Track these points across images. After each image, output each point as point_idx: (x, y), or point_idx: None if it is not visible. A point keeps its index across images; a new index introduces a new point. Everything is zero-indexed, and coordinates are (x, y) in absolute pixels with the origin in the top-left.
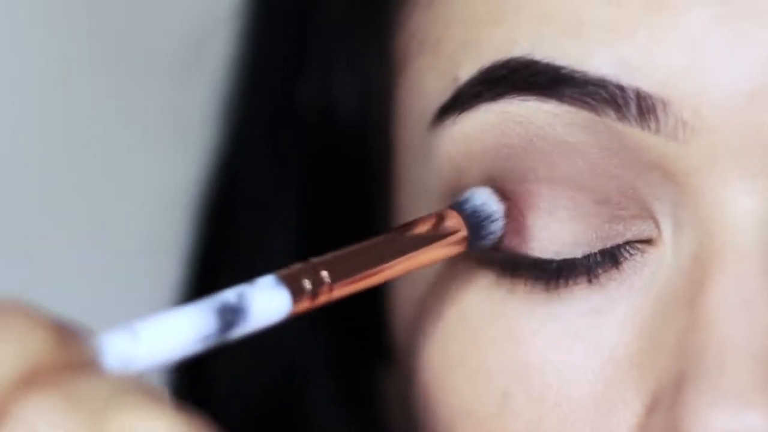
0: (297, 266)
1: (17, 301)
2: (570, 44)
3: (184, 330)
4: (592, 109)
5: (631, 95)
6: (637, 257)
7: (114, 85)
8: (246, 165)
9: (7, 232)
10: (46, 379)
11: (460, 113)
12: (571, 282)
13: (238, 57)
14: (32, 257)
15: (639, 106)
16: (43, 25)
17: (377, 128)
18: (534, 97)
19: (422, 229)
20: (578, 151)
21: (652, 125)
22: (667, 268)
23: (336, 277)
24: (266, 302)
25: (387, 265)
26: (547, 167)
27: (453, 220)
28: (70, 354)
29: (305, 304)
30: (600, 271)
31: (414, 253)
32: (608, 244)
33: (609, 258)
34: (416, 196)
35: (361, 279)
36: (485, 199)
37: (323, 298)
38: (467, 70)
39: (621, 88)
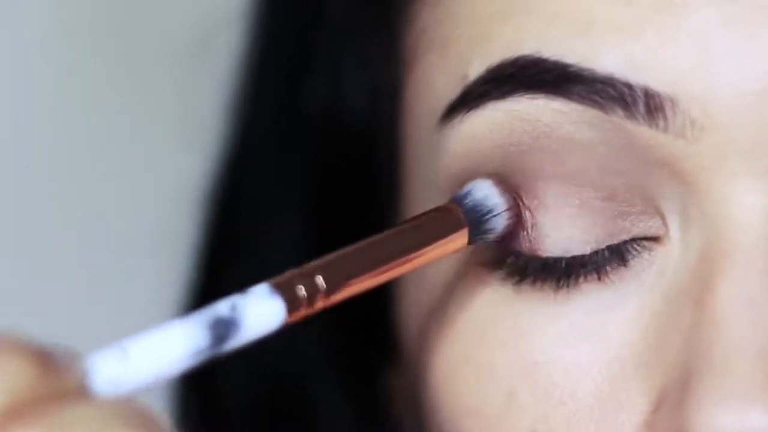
0: (290, 273)
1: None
2: (578, 42)
3: (175, 346)
4: (600, 107)
5: (639, 93)
6: (645, 255)
7: (120, 82)
8: (252, 163)
9: (12, 230)
10: (31, 412)
11: (467, 112)
12: (581, 280)
13: (245, 55)
14: (38, 255)
15: (647, 105)
16: (50, 22)
17: (385, 127)
18: (542, 95)
19: (421, 226)
20: (586, 149)
21: (660, 123)
22: (675, 266)
23: (332, 282)
24: (260, 313)
25: (385, 266)
26: (555, 164)
27: (453, 215)
28: (55, 383)
29: (301, 312)
30: (608, 268)
31: (413, 254)
32: (615, 241)
33: (616, 254)
34: (424, 195)
35: (358, 282)
36: (486, 193)
37: (320, 304)
38: (475, 68)
39: (629, 86)
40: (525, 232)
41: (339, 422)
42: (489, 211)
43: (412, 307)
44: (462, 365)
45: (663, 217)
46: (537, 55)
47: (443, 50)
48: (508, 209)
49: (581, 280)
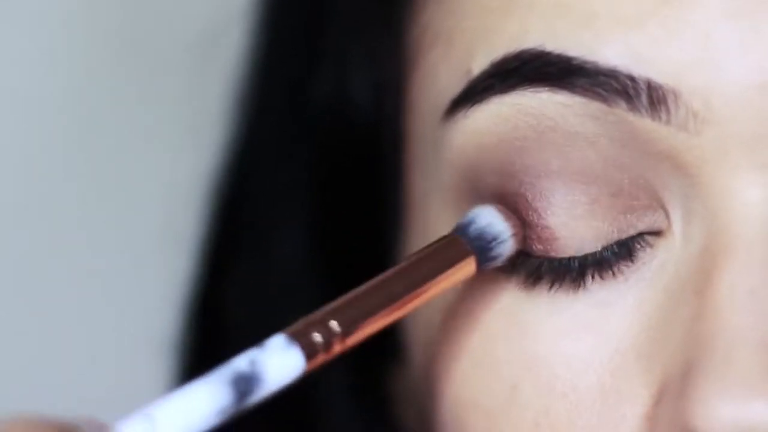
0: (305, 320)
1: (19, 417)
2: (582, 35)
3: (201, 407)
4: (603, 99)
5: (642, 86)
6: (648, 249)
7: (126, 81)
8: (258, 160)
9: (16, 228)
10: None
11: (471, 106)
12: (592, 277)
13: (251, 52)
14: (42, 253)
15: (650, 97)
16: (56, 20)
17: (390, 122)
18: (546, 89)
19: (429, 258)
20: (589, 143)
21: (663, 116)
22: (676, 258)
23: (346, 325)
24: (279, 365)
25: (397, 304)
26: (560, 160)
27: (459, 246)
28: None
29: (319, 359)
30: (617, 263)
31: (423, 287)
32: (623, 236)
33: (624, 250)
34: (429, 190)
35: (372, 323)
36: (490, 220)
37: (337, 348)
38: (479, 62)
39: (632, 78)
40: (535, 234)
41: (346, 421)
42: (494, 239)
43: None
44: (464, 359)
45: (666, 211)
46: (540, 48)
47: (447, 45)
48: (513, 234)
49: (592, 277)
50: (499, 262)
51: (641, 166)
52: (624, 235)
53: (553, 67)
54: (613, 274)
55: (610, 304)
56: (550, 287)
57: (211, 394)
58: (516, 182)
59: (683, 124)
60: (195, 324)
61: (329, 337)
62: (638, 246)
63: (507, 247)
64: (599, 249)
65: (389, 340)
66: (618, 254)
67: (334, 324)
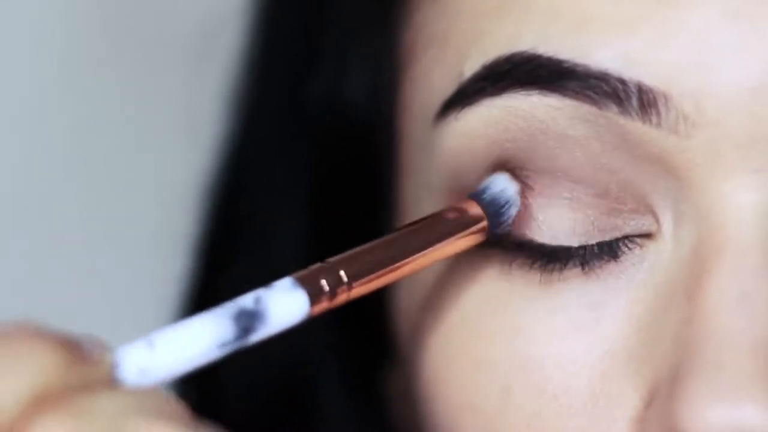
0: (314, 267)
1: (25, 323)
2: (573, 39)
3: (202, 338)
4: (594, 102)
5: (633, 89)
6: (636, 251)
7: (123, 78)
8: (255, 159)
9: (15, 226)
10: (57, 400)
11: (462, 108)
12: (567, 270)
13: (247, 51)
14: (42, 251)
15: (640, 100)
16: (52, 20)
17: (384, 122)
18: (536, 91)
19: (440, 220)
20: (580, 145)
21: (654, 119)
22: (667, 261)
23: (355, 276)
24: (284, 305)
25: (405, 261)
26: (549, 161)
27: (473, 210)
28: (82, 372)
29: (323, 305)
30: (597, 263)
31: (432, 247)
32: (606, 237)
33: (607, 251)
34: (420, 190)
35: (380, 276)
36: (504, 185)
37: (342, 298)
38: (471, 64)
39: (623, 81)
40: (518, 224)
41: (340, 421)
42: (506, 203)
43: (406, 305)
44: (457, 360)
45: (655, 215)
46: (532, 51)
47: (442, 46)
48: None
49: (567, 270)
50: (505, 228)
51: (631, 170)
52: (607, 237)
53: (544, 70)
54: (598, 273)
55: (601, 306)
56: (521, 266)
57: (213, 326)
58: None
59: (674, 127)
60: None
61: (336, 285)
62: (624, 248)
63: (514, 211)
64: (575, 245)
65: (383, 339)
66: (599, 254)
67: (342, 273)
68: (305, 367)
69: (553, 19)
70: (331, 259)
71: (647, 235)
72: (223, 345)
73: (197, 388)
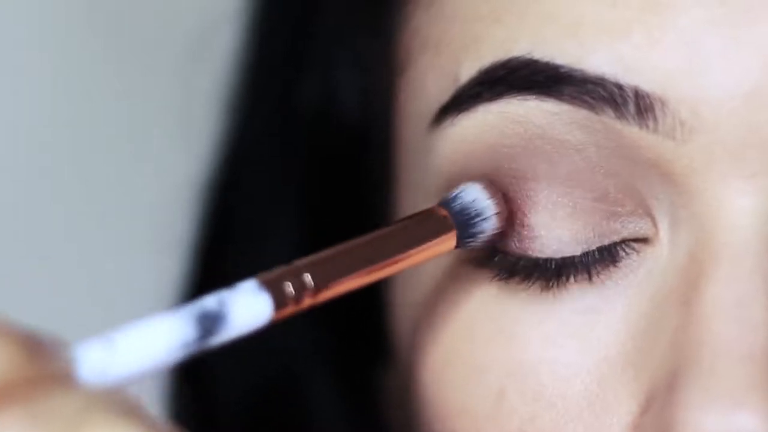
0: (279, 270)
1: None
2: (569, 43)
3: (162, 338)
4: (591, 107)
5: (630, 94)
6: (634, 256)
7: (117, 81)
8: (248, 161)
9: (11, 226)
10: (14, 396)
11: (459, 114)
12: (571, 280)
13: (241, 54)
14: (37, 251)
15: (637, 105)
16: (48, 21)
17: (378, 128)
18: (533, 97)
19: (410, 227)
20: (576, 150)
21: (650, 124)
22: (663, 267)
23: (320, 280)
24: (247, 308)
25: (373, 267)
26: (546, 166)
27: (442, 218)
28: (41, 368)
29: (289, 310)
30: (598, 268)
31: (400, 255)
32: (605, 242)
33: (607, 256)
34: (416, 197)
35: (345, 282)
36: (476, 196)
37: (307, 302)
38: (467, 70)
39: (619, 86)
40: (515, 232)
41: (332, 421)
42: (478, 214)
43: (402, 306)
44: (451, 364)
45: (653, 218)
46: (528, 56)
47: (436, 51)
48: (497, 213)
49: (571, 280)
50: (480, 241)
51: (629, 174)
52: (606, 241)
53: (540, 75)
54: (596, 279)
55: (596, 311)
56: (521, 283)
57: (175, 326)
58: (501, 184)
59: (670, 132)
60: None
61: (301, 289)
62: (623, 252)
63: (489, 224)
64: (579, 253)
65: (377, 340)
66: (599, 259)
67: (308, 277)
68: (296, 366)
69: (548, 23)
70: (297, 262)
71: (644, 240)
72: (184, 346)
73: (186, 386)
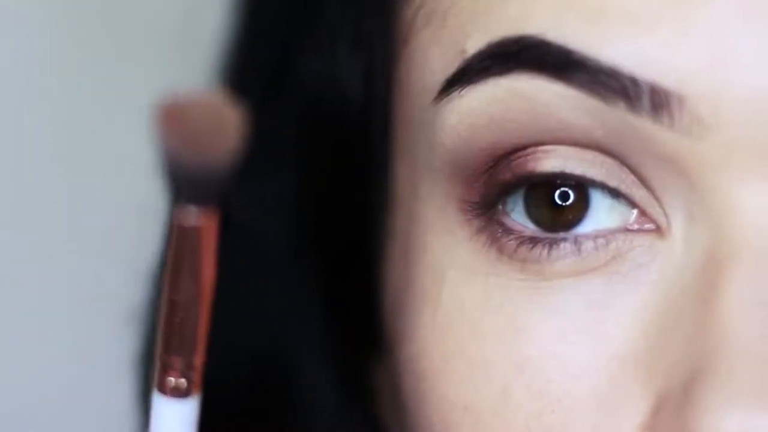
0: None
1: None
2: (586, 29)
3: None
4: (602, 97)
5: (645, 89)
6: (645, 248)
7: (108, 65)
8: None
9: (11, 227)
10: None
11: (466, 86)
12: (567, 266)
13: (235, 30)
14: (37, 251)
15: (652, 101)
16: (36, 9)
17: (379, 105)
18: (543, 77)
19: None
20: (582, 132)
21: (665, 120)
22: (678, 263)
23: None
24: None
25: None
26: (552, 142)
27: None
28: None
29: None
30: (603, 258)
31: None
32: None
33: (613, 248)
34: (417, 172)
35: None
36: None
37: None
38: (474, 42)
39: (634, 81)
40: (502, 207)
41: (324, 412)
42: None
43: (397, 298)
44: (454, 358)
45: (664, 211)
46: (541, 37)
47: (442, 24)
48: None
49: (569, 267)
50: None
51: (639, 161)
52: (614, 231)
53: (552, 57)
54: (602, 271)
55: (606, 306)
56: (515, 251)
57: None
58: (505, 158)
59: (687, 129)
60: None
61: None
62: (630, 244)
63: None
64: (582, 240)
65: (371, 330)
66: (604, 251)
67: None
68: (287, 357)
69: (565, 6)
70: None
71: (656, 231)
72: None
73: None
